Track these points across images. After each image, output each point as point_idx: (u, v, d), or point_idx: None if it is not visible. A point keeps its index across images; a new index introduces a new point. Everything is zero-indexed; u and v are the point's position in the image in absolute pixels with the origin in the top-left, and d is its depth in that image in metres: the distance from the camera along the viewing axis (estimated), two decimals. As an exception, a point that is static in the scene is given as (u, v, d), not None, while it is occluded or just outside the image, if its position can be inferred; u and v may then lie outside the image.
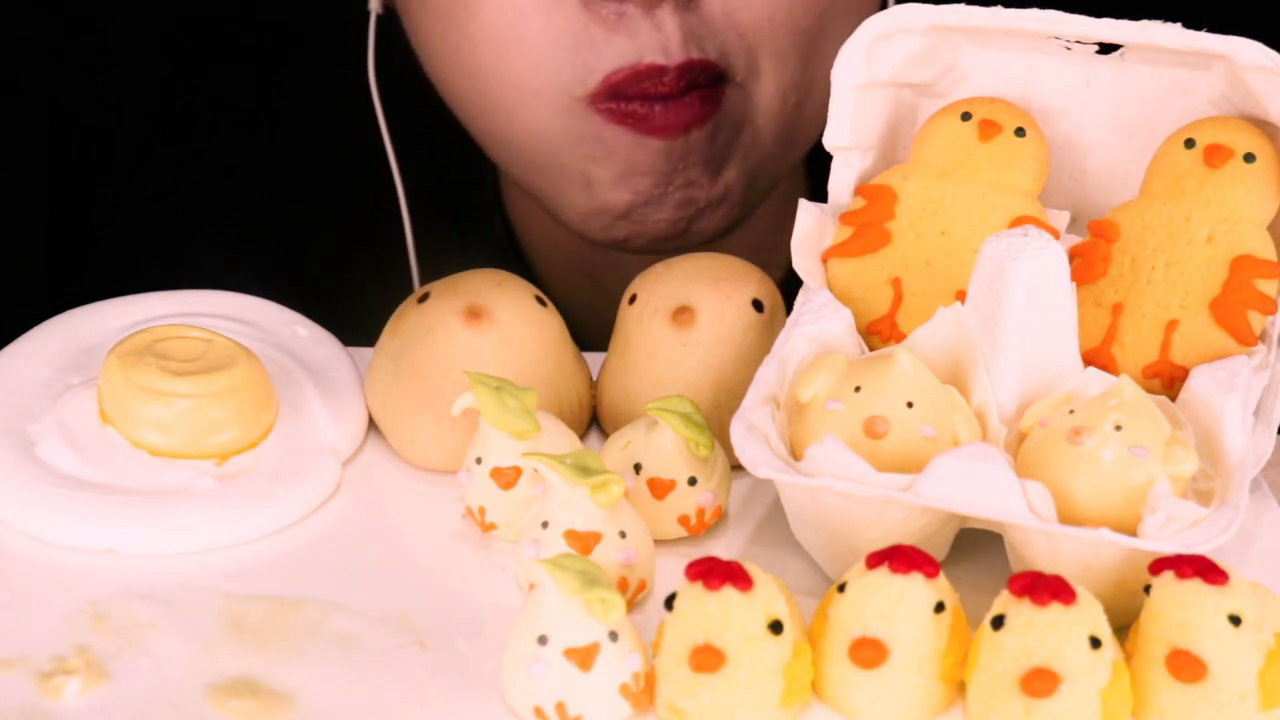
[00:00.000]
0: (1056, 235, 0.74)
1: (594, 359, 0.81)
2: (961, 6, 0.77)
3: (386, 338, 0.79)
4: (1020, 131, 0.77)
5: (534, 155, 0.95)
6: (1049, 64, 0.79)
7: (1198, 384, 0.71)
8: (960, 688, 0.65)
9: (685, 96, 0.90)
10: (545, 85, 0.91)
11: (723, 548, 0.73)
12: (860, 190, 0.78)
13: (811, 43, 0.93)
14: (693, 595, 0.64)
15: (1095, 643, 0.62)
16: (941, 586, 0.65)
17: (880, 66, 0.78)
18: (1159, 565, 0.64)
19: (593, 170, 0.93)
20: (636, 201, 0.93)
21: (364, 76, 1.00)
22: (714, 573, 0.64)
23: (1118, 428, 0.67)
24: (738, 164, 0.94)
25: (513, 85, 0.92)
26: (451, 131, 0.99)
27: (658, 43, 0.89)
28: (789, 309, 0.77)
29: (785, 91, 0.93)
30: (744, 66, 0.91)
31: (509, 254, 1.07)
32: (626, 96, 0.90)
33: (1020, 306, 0.70)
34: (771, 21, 0.91)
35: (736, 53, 0.91)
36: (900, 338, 0.75)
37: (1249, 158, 0.75)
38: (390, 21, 1.00)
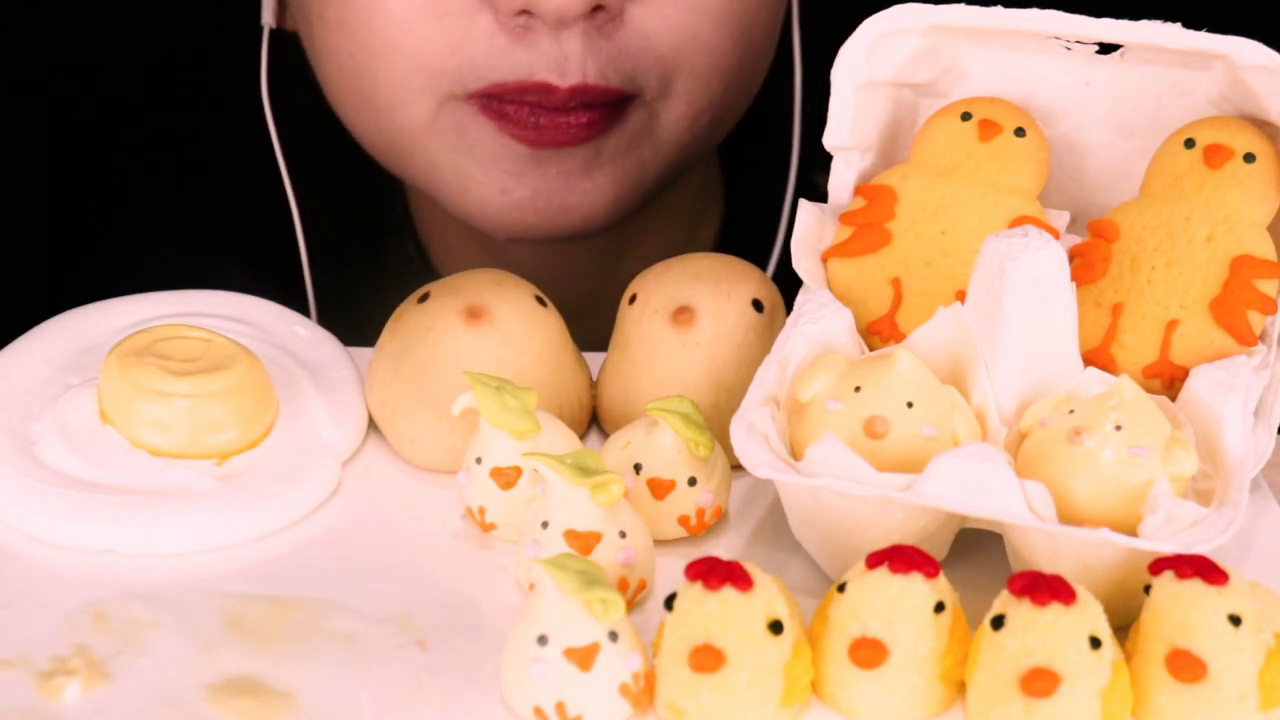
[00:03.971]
0: (1056, 235, 0.74)
1: (594, 359, 0.81)
2: (961, 6, 0.77)
3: (386, 338, 0.79)
4: (1020, 131, 0.77)
5: (413, 157, 0.95)
6: (1049, 64, 0.79)
7: (1198, 384, 0.71)
8: (960, 688, 0.65)
9: (573, 113, 0.89)
10: (430, 84, 0.91)
11: (723, 548, 0.73)
12: (860, 190, 0.78)
13: (736, 62, 0.92)
14: (693, 595, 0.64)
15: (1095, 643, 0.62)
16: (941, 586, 0.65)
17: (880, 66, 0.78)
18: (1159, 565, 0.64)
19: (464, 166, 0.93)
20: (507, 202, 0.93)
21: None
22: (714, 573, 0.64)
23: (1118, 428, 0.67)
24: (632, 172, 0.93)
25: (399, 86, 0.91)
26: (360, 148, 1.00)
27: (555, 61, 0.88)
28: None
29: (698, 113, 0.93)
30: (655, 88, 0.91)
31: (418, 268, 1.07)
32: (504, 100, 0.90)
33: (1020, 306, 0.70)
34: (695, 42, 0.90)
35: (649, 75, 0.90)
36: (900, 338, 0.75)
37: (1249, 158, 0.75)
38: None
